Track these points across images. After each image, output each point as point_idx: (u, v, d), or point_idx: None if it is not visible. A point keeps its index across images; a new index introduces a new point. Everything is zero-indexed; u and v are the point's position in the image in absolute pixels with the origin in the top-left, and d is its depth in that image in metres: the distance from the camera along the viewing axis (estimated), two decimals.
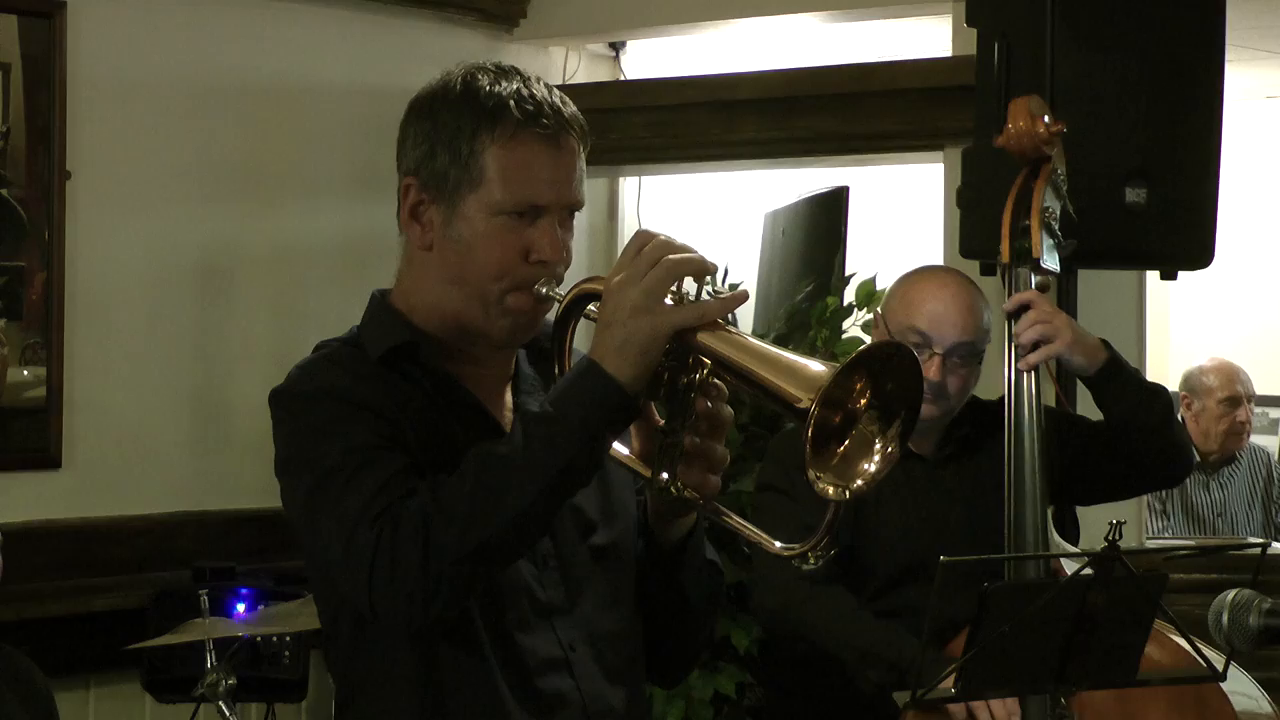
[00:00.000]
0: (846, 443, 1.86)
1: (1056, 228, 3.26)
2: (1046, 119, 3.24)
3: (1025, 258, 3.24)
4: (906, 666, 3.06)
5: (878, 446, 1.87)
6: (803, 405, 1.81)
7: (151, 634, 3.98)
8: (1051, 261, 3.26)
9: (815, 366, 1.85)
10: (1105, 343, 3.32)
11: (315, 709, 4.58)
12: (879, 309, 3.48)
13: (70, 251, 4.31)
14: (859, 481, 1.86)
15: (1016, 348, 3.22)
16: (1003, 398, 3.26)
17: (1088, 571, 2.64)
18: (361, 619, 2.01)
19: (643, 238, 1.96)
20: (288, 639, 4.13)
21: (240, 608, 4.13)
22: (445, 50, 4.95)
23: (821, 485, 1.85)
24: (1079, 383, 3.49)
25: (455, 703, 2.02)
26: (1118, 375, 3.30)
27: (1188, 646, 2.78)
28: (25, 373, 4.26)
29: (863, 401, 1.86)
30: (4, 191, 4.22)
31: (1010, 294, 3.26)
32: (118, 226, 4.43)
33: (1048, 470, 3.21)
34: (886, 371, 1.86)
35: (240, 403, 4.61)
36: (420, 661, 2.02)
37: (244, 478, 4.54)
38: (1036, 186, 3.24)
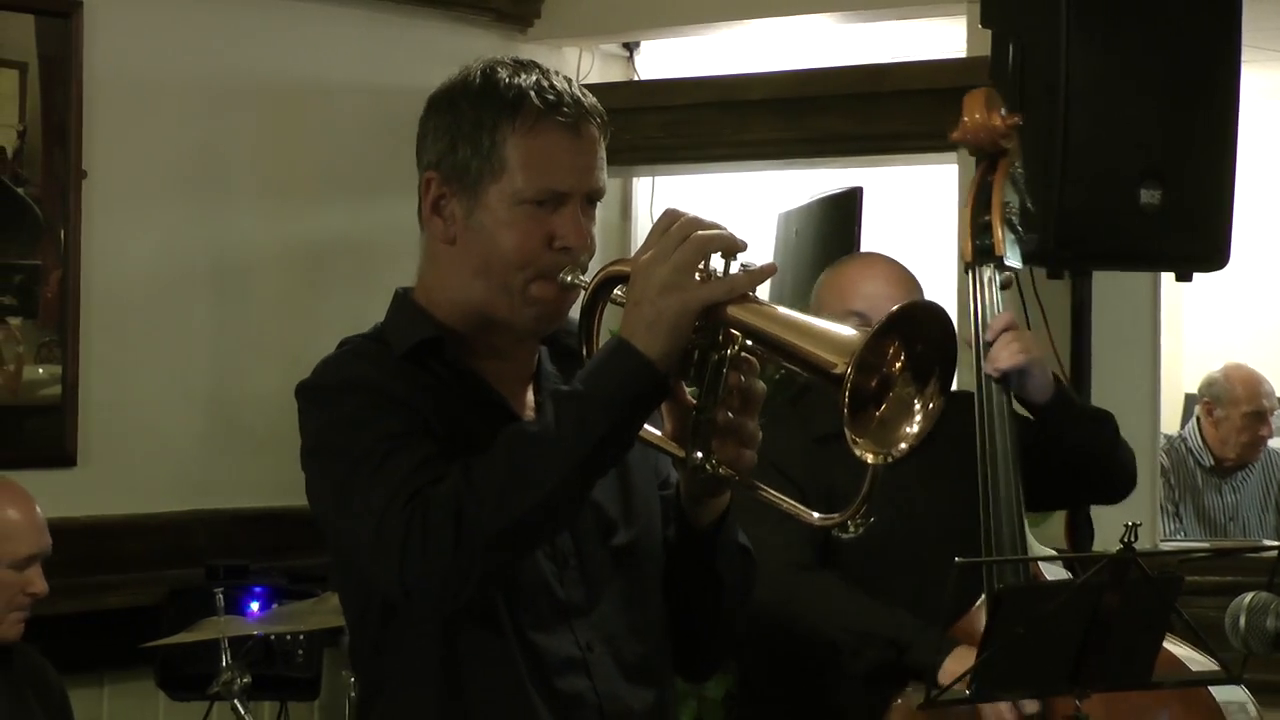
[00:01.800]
0: (884, 406, 1.87)
1: (1016, 223, 3.19)
2: (1002, 111, 3.20)
3: (989, 255, 3.16)
4: (906, 644, 3.04)
5: (917, 406, 1.87)
6: (838, 370, 1.81)
7: (166, 632, 3.99)
8: (1014, 258, 3.18)
9: (847, 332, 1.86)
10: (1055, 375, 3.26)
11: (328, 707, 4.58)
12: (810, 306, 3.37)
13: (86, 250, 4.32)
14: (903, 444, 1.87)
15: (988, 358, 3.11)
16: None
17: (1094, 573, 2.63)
18: (389, 613, 2.01)
19: (670, 216, 1.95)
20: (301, 637, 4.14)
21: (254, 606, 4.14)
22: (459, 50, 4.93)
23: (860, 450, 1.85)
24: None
25: (478, 699, 2.02)
26: (1070, 405, 3.23)
27: (1197, 652, 2.78)
28: (40, 371, 4.27)
29: (897, 365, 1.86)
30: (20, 190, 4.23)
31: (973, 293, 3.16)
32: (133, 225, 4.44)
33: (1020, 474, 3.14)
34: (916, 332, 1.86)
35: (254, 401, 4.61)
36: (444, 658, 2.02)
37: (258, 476, 4.54)
38: (995, 181, 3.17)
